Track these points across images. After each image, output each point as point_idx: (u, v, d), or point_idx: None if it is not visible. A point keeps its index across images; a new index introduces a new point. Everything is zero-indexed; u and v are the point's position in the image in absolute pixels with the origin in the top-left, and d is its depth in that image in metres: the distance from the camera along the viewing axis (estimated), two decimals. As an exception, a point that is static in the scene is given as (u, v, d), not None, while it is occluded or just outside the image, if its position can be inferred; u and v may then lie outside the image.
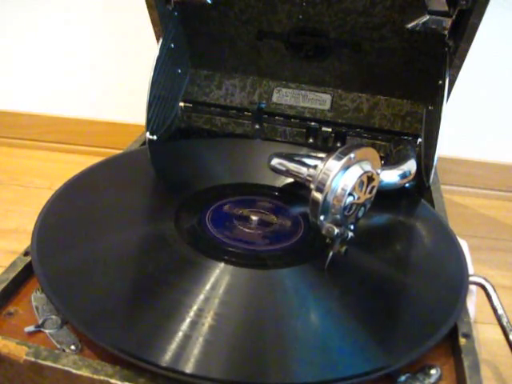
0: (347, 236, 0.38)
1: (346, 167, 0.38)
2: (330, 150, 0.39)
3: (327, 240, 0.39)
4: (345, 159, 0.37)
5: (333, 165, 0.37)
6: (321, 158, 0.39)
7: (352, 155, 0.38)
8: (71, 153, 0.86)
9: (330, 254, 0.38)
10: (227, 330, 0.33)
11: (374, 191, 0.41)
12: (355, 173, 0.38)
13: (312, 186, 0.38)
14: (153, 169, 0.54)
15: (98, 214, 0.44)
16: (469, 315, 0.36)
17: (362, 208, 0.40)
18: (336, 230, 0.37)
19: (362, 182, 0.39)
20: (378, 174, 0.40)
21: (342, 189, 0.37)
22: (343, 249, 0.38)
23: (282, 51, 0.61)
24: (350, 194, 0.38)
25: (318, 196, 0.37)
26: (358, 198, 0.39)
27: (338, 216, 0.38)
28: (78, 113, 0.84)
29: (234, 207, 0.47)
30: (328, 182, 0.37)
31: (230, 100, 0.65)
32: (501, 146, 0.77)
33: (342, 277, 0.39)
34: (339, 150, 0.38)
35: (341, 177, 0.37)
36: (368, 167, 0.39)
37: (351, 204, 0.38)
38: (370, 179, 0.39)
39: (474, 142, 0.77)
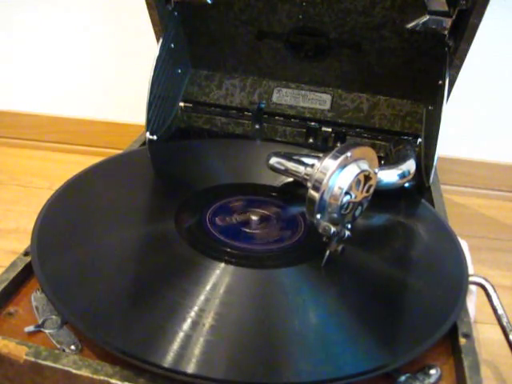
0: (344, 235, 0.38)
1: (343, 166, 0.38)
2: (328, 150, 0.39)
3: (324, 239, 0.39)
4: (341, 158, 0.37)
5: (329, 163, 0.37)
6: (318, 157, 0.39)
7: (349, 154, 0.38)
8: (71, 153, 0.86)
9: (327, 252, 0.38)
10: (228, 330, 0.33)
11: (372, 190, 0.41)
12: (352, 171, 0.38)
13: (309, 184, 0.38)
14: (153, 169, 0.54)
15: (98, 214, 0.44)
16: (469, 315, 0.36)
17: (359, 207, 0.40)
18: (332, 229, 0.37)
19: (358, 181, 0.39)
20: (375, 173, 0.40)
21: (339, 187, 0.37)
22: (340, 247, 0.38)
23: (282, 51, 0.61)
24: (346, 193, 0.38)
25: (315, 194, 0.37)
26: (355, 197, 0.39)
27: (335, 215, 0.38)
28: (78, 113, 0.84)
29: (234, 207, 0.47)
30: (324, 181, 0.37)
31: (229, 100, 0.65)
32: (501, 145, 0.76)
33: (342, 276, 0.39)
34: (336, 148, 0.38)
35: (337, 175, 0.37)
36: (365, 166, 0.39)
37: (348, 203, 0.38)
38: (367, 178, 0.39)
39: (474, 142, 0.77)
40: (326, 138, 0.63)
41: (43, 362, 0.30)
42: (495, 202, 0.78)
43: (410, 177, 0.50)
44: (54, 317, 0.34)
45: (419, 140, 0.60)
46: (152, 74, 0.55)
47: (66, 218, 0.43)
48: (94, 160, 0.52)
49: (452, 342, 0.34)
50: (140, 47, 0.75)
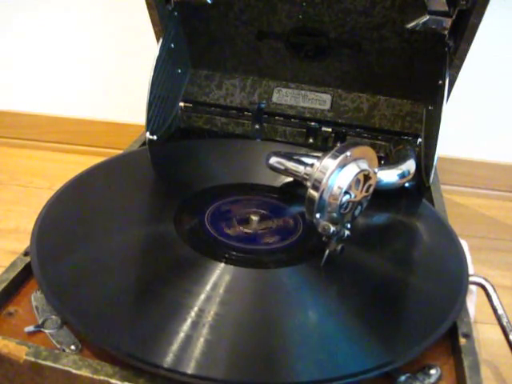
0: (343, 234, 0.38)
1: (343, 165, 0.38)
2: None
3: (323, 238, 0.39)
4: (341, 157, 0.37)
5: (329, 163, 0.37)
6: (318, 157, 0.39)
7: (348, 153, 0.38)
8: (71, 153, 0.86)
9: (326, 252, 0.38)
10: (227, 330, 0.33)
11: (371, 190, 0.41)
12: (351, 171, 0.38)
13: (308, 184, 0.38)
14: (153, 169, 0.54)
15: (98, 215, 0.44)
16: (469, 315, 0.36)
17: (359, 206, 0.40)
18: (332, 228, 0.37)
19: (358, 181, 0.39)
20: (375, 173, 0.40)
21: (338, 187, 0.37)
22: (339, 247, 0.38)
23: (282, 51, 0.61)
24: (346, 193, 0.38)
25: (314, 194, 0.37)
26: (355, 197, 0.39)
27: (335, 214, 0.38)
28: (78, 113, 0.84)
29: (234, 207, 0.47)
30: (324, 180, 0.37)
31: (229, 100, 0.65)
32: (501, 145, 0.76)
33: (342, 276, 0.39)
34: (336, 148, 0.38)
35: (337, 175, 0.37)
36: (364, 166, 0.39)
37: (347, 202, 0.38)
38: (367, 178, 0.39)
39: (474, 142, 0.77)
40: (326, 138, 0.63)
41: (43, 362, 0.30)
42: (495, 202, 0.78)
43: (410, 177, 0.50)
44: (53, 317, 0.34)
45: (419, 140, 0.60)
46: (152, 74, 0.55)
47: (66, 218, 0.43)
48: (94, 160, 0.52)
49: (452, 341, 0.34)
50: (140, 47, 0.75)
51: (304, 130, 0.63)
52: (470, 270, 0.41)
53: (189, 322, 0.32)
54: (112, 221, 0.43)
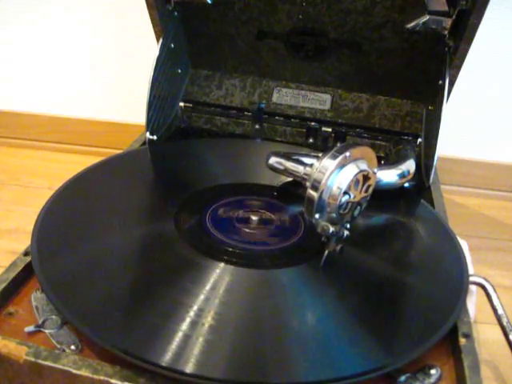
0: (343, 234, 0.38)
1: (342, 166, 0.38)
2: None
3: (323, 238, 0.39)
4: (340, 158, 0.37)
5: (328, 163, 0.37)
6: (318, 157, 0.39)
7: (347, 154, 0.38)
8: (71, 153, 0.86)
9: (326, 252, 0.38)
10: (227, 329, 0.33)
11: (371, 190, 0.41)
12: (351, 171, 0.38)
13: (308, 184, 0.38)
14: (153, 169, 0.54)
15: (98, 214, 0.44)
16: (469, 315, 0.36)
17: (358, 207, 0.40)
18: (331, 229, 0.37)
19: (357, 181, 0.39)
20: (374, 173, 0.40)
21: (338, 187, 0.37)
22: (339, 247, 0.38)
23: (281, 51, 0.61)
24: (345, 193, 0.38)
25: (314, 194, 0.37)
26: (354, 197, 0.39)
27: (334, 214, 0.38)
28: (78, 113, 0.84)
29: (234, 207, 0.47)
30: (323, 181, 0.37)
31: (230, 100, 0.65)
32: (501, 145, 0.76)
33: (342, 276, 0.39)
34: (335, 148, 0.38)
35: (336, 175, 0.37)
36: (364, 166, 0.39)
37: (347, 202, 0.38)
38: (366, 178, 0.39)
39: (474, 142, 0.77)
40: (325, 138, 0.63)
41: (43, 362, 0.30)
42: (495, 202, 0.78)
43: (410, 177, 0.50)
44: (54, 317, 0.34)
45: (419, 140, 0.60)
46: (152, 73, 0.55)
47: (66, 218, 0.43)
48: (94, 160, 0.51)
49: (452, 341, 0.34)
50: (140, 47, 0.75)
51: (304, 130, 0.63)
52: (470, 270, 0.41)
53: (188, 321, 0.32)
54: (112, 220, 0.43)
